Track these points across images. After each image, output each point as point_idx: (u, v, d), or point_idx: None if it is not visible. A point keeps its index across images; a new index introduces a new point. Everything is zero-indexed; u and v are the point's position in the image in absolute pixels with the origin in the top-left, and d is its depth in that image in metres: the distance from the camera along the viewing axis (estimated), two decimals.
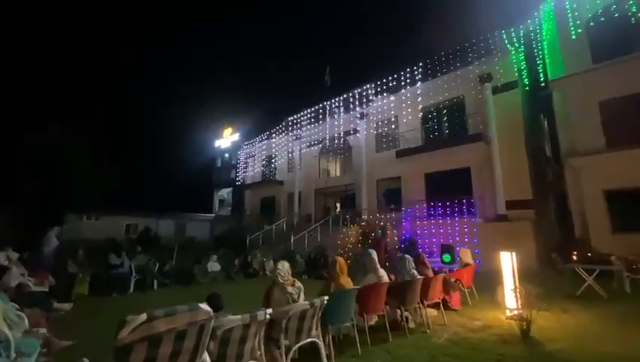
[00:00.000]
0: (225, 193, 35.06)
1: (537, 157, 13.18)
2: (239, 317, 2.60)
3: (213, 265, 10.06)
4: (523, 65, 12.84)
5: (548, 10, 12.18)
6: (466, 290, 6.23)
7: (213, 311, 2.97)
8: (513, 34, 12.68)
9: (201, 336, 2.32)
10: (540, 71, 12.82)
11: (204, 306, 2.38)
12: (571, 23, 11.32)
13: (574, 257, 8.36)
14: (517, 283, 4.85)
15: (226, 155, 35.07)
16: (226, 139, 33.35)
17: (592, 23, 11.13)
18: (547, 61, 12.21)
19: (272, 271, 10.74)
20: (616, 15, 10.62)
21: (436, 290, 5.09)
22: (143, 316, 2.05)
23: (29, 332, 3.79)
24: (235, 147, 29.61)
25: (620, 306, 5.52)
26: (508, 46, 12.75)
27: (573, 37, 11.22)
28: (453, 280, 5.98)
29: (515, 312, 4.62)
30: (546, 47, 12.30)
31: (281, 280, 3.52)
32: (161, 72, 61.99)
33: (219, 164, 36.26)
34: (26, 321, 3.86)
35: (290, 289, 3.50)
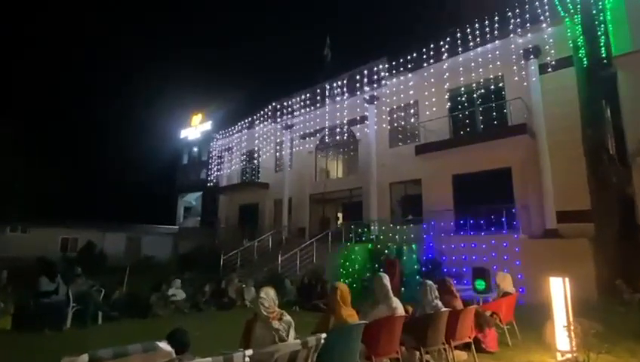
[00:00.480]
0: (192, 199, 34.96)
1: (598, 155, 13.21)
2: (209, 359, 2.59)
3: (177, 293, 10.03)
4: (580, 36, 12.94)
5: None
6: (505, 327, 6.26)
7: (176, 352, 2.90)
8: None
9: None
10: (602, 45, 12.91)
11: (164, 345, 2.37)
12: None
13: None
14: (571, 318, 4.88)
15: (195, 149, 35.03)
16: (195, 128, 33.32)
17: None
18: (611, 32, 12.31)
19: (253, 300, 10.71)
20: None
21: (466, 327, 5.10)
22: (84, 358, 2.04)
23: None
24: (207, 138, 29.59)
25: None
26: (561, 12, 12.87)
27: None
28: (488, 313, 6.00)
29: (569, 356, 4.64)
30: (609, 13, 12.42)
31: (264, 313, 3.51)
32: (112, 45, 62.05)
33: (185, 161, 36.21)
34: None
35: (276, 324, 3.50)
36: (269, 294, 3.63)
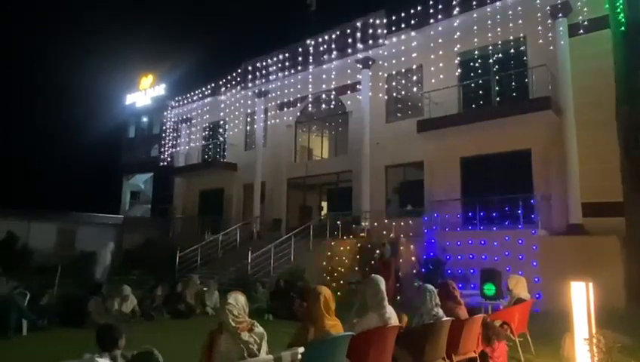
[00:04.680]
0: (141, 182, 34.54)
1: (635, 136, 13.54)
2: None
3: (126, 299, 9.85)
4: None
5: None
6: (517, 339, 6.46)
7: (106, 349, 3.53)
8: None
9: None
10: None
11: (104, 361, 2.39)
12: None
13: None
14: (593, 330, 5.05)
15: (144, 120, 34.43)
16: (144, 93, 32.63)
17: None
18: None
19: (217, 307, 10.62)
20: None
21: (472, 339, 5.24)
22: None
23: None
24: (159, 106, 29.06)
25: None
26: None
27: None
28: (498, 323, 6.17)
29: None
30: None
31: (232, 323, 3.52)
32: None
33: (132, 134, 35.58)
34: None
35: (246, 336, 3.52)
36: (238, 301, 3.65)
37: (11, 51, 53.92)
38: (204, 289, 11.47)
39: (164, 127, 27.08)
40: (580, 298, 5.19)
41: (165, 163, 26.10)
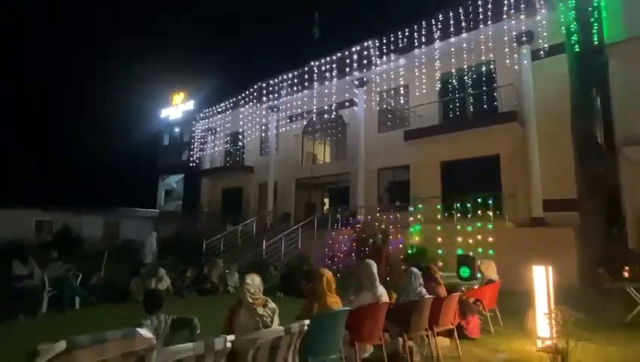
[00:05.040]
0: (173, 181, 34.65)
1: (586, 144, 13.55)
2: (191, 345, 2.62)
3: (161, 280, 9.86)
4: (573, 22, 13.05)
5: None
6: (488, 314, 6.45)
7: (151, 312, 3.80)
8: None
9: None
10: (595, 32, 13.07)
11: (144, 331, 2.39)
12: None
13: (626, 274, 8.71)
14: (552, 306, 5.04)
15: (176, 130, 34.54)
16: (176, 107, 32.78)
17: None
18: (604, 19, 12.44)
19: (236, 286, 10.52)
20: None
21: (449, 314, 5.24)
22: (62, 344, 2.04)
23: None
24: (189, 119, 29.15)
25: None
26: None
27: None
28: (471, 300, 6.18)
29: (549, 343, 4.81)
30: (603, 0, 12.52)
31: (249, 300, 3.54)
32: (87, 16, 59.94)
33: (166, 142, 35.71)
34: None
35: (261, 310, 3.54)
36: (254, 281, 3.67)
37: (66, 69, 54.12)
38: (227, 271, 11.51)
39: (192, 136, 27.17)
40: (541, 279, 5.20)
41: (194, 166, 26.20)
